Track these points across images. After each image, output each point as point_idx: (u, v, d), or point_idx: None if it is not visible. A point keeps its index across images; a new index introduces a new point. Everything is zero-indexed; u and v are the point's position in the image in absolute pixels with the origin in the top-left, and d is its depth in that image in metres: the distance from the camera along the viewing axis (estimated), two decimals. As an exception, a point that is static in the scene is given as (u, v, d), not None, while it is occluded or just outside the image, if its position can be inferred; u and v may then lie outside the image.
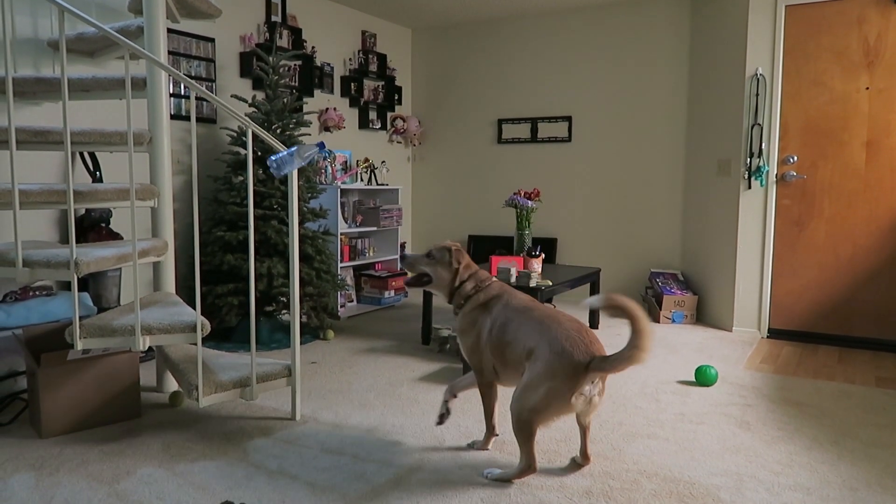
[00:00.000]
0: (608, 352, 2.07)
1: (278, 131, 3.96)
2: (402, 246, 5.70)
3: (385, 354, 3.77)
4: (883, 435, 2.62)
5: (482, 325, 2.30)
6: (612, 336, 4.25)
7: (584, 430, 2.25)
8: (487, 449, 2.43)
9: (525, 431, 2.08)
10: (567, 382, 2.00)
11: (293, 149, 2.49)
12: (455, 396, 2.48)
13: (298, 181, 3.95)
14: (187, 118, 4.01)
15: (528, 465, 2.12)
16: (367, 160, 5.42)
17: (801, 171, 4.12)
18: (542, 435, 2.54)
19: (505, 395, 2.52)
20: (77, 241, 3.26)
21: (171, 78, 3.61)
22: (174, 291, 2.96)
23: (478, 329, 2.31)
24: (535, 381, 2.05)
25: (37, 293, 3.00)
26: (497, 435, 2.46)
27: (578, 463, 2.27)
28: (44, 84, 2.93)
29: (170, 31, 3.90)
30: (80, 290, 3.26)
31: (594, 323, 4.49)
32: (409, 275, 2.46)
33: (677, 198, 5.12)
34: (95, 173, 3.41)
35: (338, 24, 5.25)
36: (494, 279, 2.41)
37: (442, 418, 2.44)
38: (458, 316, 2.39)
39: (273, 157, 2.48)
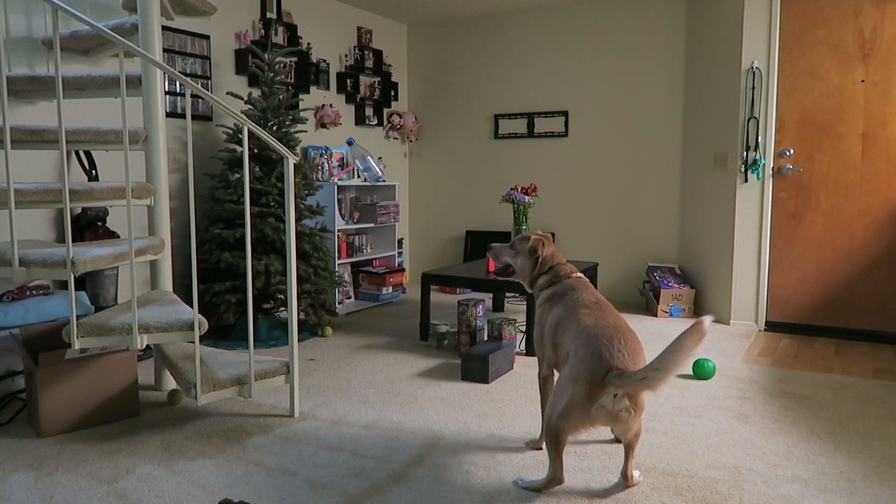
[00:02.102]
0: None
1: (274, 128, 3.95)
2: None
3: (383, 351, 3.77)
4: (880, 426, 2.63)
5: (545, 319, 2.27)
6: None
7: (625, 449, 2.10)
8: (541, 448, 2.37)
9: (553, 439, 1.98)
10: (586, 390, 1.89)
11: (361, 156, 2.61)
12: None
13: (295, 178, 3.95)
14: (183, 116, 4.00)
15: (553, 477, 2.02)
16: (363, 156, 5.42)
17: (798, 164, 4.13)
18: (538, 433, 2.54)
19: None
20: (73, 240, 3.25)
21: (166, 75, 3.60)
22: (171, 290, 2.96)
23: (542, 322, 2.29)
24: (561, 385, 1.99)
25: (34, 292, 3.00)
26: None
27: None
28: (38, 83, 2.92)
29: (164, 28, 3.88)
30: (77, 289, 3.26)
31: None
32: (497, 266, 2.52)
33: (674, 192, 5.12)
34: (91, 172, 3.41)
35: (333, 20, 5.24)
36: (576, 275, 2.32)
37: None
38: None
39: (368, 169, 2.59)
